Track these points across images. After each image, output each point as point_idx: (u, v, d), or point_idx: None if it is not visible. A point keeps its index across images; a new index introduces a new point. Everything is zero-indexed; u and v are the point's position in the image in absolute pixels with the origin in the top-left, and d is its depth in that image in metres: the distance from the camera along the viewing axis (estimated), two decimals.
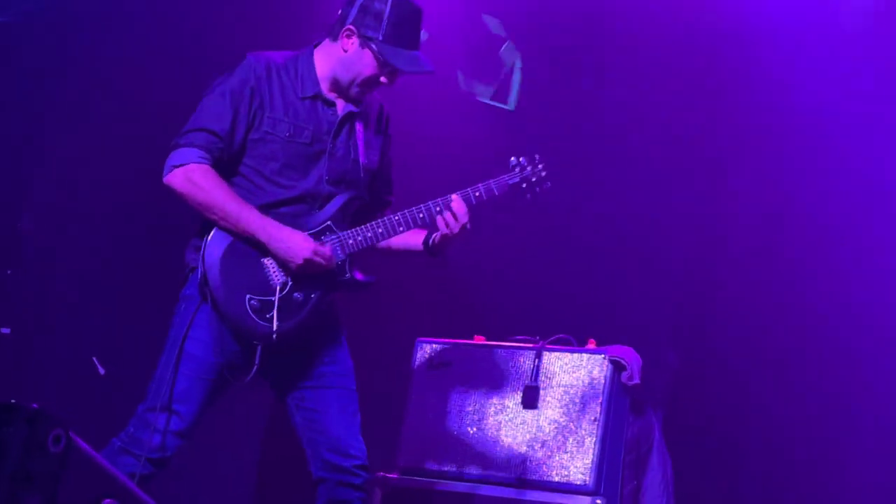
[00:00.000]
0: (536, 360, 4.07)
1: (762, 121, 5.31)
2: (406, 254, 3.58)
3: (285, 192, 3.31)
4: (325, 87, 3.37)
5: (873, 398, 4.77)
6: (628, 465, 4.08)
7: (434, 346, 4.26)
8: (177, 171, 3.20)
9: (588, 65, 5.62)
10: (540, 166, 3.55)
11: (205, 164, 3.21)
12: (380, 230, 3.32)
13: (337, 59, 3.33)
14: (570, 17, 5.55)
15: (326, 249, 3.26)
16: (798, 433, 4.82)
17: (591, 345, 4.12)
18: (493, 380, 4.16)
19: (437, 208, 3.35)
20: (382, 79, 3.38)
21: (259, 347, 3.20)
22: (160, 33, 4.85)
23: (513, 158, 3.51)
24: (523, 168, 3.50)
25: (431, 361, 4.26)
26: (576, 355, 4.06)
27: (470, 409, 4.14)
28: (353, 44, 3.27)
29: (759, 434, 4.89)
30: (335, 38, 3.34)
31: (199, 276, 3.19)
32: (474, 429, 4.11)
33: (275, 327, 3.17)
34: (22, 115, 4.78)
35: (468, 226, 3.37)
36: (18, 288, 4.35)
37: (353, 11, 3.32)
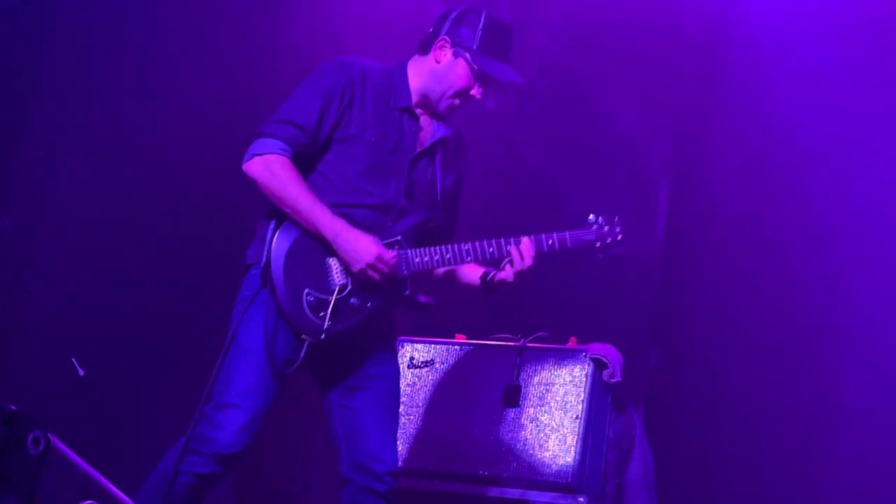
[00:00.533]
0: (518, 359, 4.08)
1: (735, 118, 5.22)
2: (461, 285, 3.60)
3: (364, 197, 3.33)
4: (415, 100, 3.39)
5: (850, 392, 4.76)
6: (610, 462, 4.08)
7: (415, 345, 4.25)
8: (256, 159, 3.23)
9: (577, 63, 5.48)
10: (618, 229, 3.53)
11: (285, 156, 3.23)
12: (448, 255, 3.34)
13: (428, 71, 3.37)
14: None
15: (392, 258, 3.27)
16: (777, 427, 4.80)
17: (573, 343, 4.11)
18: (475, 378, 4.15)
19: (508, 247, 3.37)
20: (474, 91, 3.41)
21: (306, 343, 3.21)
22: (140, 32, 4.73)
23: (591, 216, 3.50)
24: (601, 227, 3.49)
25: (412, 360, 4.24)
26: (557, 354, 4.08)
27: (451, 407, 4.11)
28: (446, 55, 3.31)
29: (739, 429, 4.86)
30: (426, 52, 3.39)
31: (263, 264, 3.20)
32: (456, 427, 4.08)
33: (325, 326, 3.19)
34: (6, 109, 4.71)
35: (531, 271, 3.40)
36: None
37: (447, 25, 3.38)
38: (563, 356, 4.05)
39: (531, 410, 4.01)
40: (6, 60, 4.58)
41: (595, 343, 4.09)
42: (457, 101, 3.41)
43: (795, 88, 5.13)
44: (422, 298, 3.36)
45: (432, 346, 4.24)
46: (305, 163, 3.32)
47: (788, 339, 4.85)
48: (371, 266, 3.18)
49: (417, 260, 3.30)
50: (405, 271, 3.29)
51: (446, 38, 3.33)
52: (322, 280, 3.25)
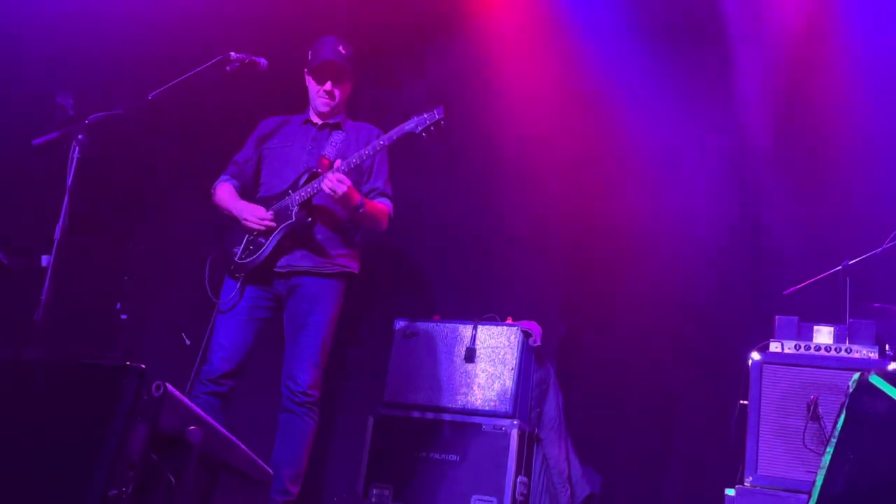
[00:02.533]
0: (473, 331, 4.47)
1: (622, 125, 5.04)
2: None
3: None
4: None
5: (693, 352, 4.77)
6: (534, 398, 4.50)
7: (407, 322, 4.63)
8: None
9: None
10: (436, 113, 3.57)
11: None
12: (308, 189, 3.70)
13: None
14: None
15: (260, 211, 3.68)
16: (643, 378, 4.88)
17: (509, 321, 4.53)
18: (446, 344, 4.51)
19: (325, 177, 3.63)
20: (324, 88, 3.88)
21: (241, 278, 3.70)
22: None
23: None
24: (419, 115, 3.60)
25: (405, 332, 4.60)
26: (499, 327, 4.44)
27: (431, 363, 4.48)
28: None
29: (617, 377, 4.92)
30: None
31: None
32: (433, 376, 4.45)
33: (237, 259, 3.71)
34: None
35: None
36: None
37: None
38: (504, 329, 4.43)
39: (482, 364, 4.39)
40: None
41: (524, 321, 4.52)
42: (319, 100, 3.85)
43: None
44: (304, 219, 3.65)
45: (418, 323, 4.60)
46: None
47: (652, 318, 4.91)
48: (245, 219, 3.72)
49: (297, 197, 3.69)
50: (292, 211, 3.65)
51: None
52: (239, 238, 3.78)
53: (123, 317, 4.17)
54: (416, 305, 5.02)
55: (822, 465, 2.23)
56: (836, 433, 2.27)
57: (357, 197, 3.68)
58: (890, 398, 2.28)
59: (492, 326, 4.44)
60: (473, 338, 4.42)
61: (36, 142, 3.26)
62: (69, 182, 3.10)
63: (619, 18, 5.13)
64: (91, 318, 4.37)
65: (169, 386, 1.81)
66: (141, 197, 4.51)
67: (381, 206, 3.89)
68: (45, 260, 3.05)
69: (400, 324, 4.64)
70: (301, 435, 3.63)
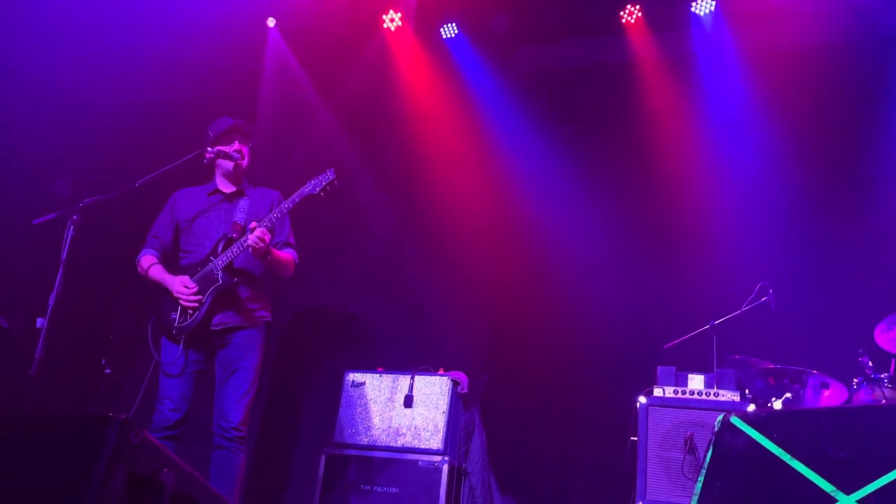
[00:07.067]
0: (411, 381, 4.42)
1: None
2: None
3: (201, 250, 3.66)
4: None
5: (587, 402, 4.77)
6: (462, 437, 4.42)
7: (355, 373, 4.54)
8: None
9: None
10: (330, 175, 3.45)
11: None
12: (229, 252, 3.56)
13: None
14: None
15: (188, 282, 3.51)
16: (552, 420, 4.88)
17: (441, 371, 4.49)
18: (388, 392, 4.44)
19: (248, 237, 3.49)
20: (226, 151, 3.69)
21: (181, 340, 3.52)
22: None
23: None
24: (316, 177, 3.48)
25: (354, 382, 4.52)
26: (433, 377, 4.40)
27: (375, 408, 4.39)
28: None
29: (533, 419, 4.92)
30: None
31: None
32: (377, 419, 4.35)
33: (176, 325, 3.54)
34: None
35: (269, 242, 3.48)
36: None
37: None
38: (437, 379, 4.40)
39: (419, 409, 4.33)
40: None
41: (453, 371, 4.49)
42: (228, 163, 3.68)
43: None
44: (230, 281, 3.51)
45: (364, 374, 4.52)
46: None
47: (560, 368, 4.94)
48: (178, 292, 3.55)
49: (220, 263, 3.57)
50: (217, 275, 3.52)
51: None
52: (174, 305, 3.60)
53: (108, 371, 4.15)
54: (362, 359, 4.90)
55: (695, 491, 2.25)
56: (706, 465, 2.31)
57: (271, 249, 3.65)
58: (748, 436, 2.32)
59: (427, 376, 4.39)
60: (411, 386, 4.37)
61: (35, 221, 3.23)
62: (63, 256, 3.09)
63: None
64: (79, 373, 4.27)
65: (147, 433, 1.77)
66: (124, 269, 4.19)
67: (288, 255, 3.80)
68: (39, 322, 3.01)
69: (349, 375, 4.56)
70: (235, 468, 3.48)
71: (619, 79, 5.19)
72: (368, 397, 4.44)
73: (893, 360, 3.86)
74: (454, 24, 5.54)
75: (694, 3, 5.21)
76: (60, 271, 3.03)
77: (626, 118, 5.07)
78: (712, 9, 5.16)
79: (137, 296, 4.67)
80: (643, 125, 5.05)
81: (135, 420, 1.80)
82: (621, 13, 5.30)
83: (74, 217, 3.15)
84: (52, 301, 2.99)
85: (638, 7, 5.30)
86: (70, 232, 3.12)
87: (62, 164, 4.33)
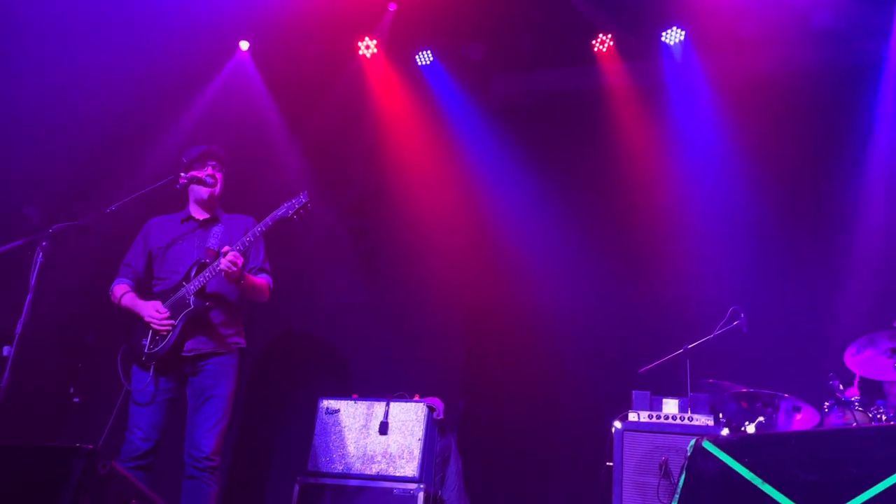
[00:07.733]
0: (386, 408, 4.41)
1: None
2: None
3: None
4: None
5: (562, 429, 4.81)
6: (437, 464, 4.43)
7: (329, 400, 4.53)
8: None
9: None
10: (303, 198, 3.41)
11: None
12: (201, 277, 3.52)
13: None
14: None
15: (159, 306, 3.47)
16: (530, 445, 4.92)
17: (416, 398, 4.50)
18: (363, 419, 4.42)
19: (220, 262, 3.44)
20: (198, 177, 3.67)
21: (151, 367, 3.45)
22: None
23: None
24: (288, 201, 3.45)
25: (328, 409, 4.50)
26: (408, 404, 4.40)
27: (349, 436, 4.38)
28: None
29: (508, 445, 5.00)
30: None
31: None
32: (352, 446, 4.34)
33: (146, 351, 3.48)
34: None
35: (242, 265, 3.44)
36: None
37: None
38: (412, 405, 4.40)
39: (394, 436, 4.33)
40: None
41: (429, 397, 4.49)
42: (202, 189, 3.66)
43: None
44: (202, 306, 3.47)
45: (339, 401, 4.51)
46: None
47: (538, 393, 5.01)
48: (150, 317, 3.50)
49: (192, 287, 3.52)
50: (189, 300, 3.47)
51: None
52: (145, 331, 3.54)
53: (76, 400, 4.04)
54: (336, 385, 5.00)
55: None
56: (679, 489, 2.33)
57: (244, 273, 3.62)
58: (720, 460, 2.36)
59: (402, 403, 4.39)
60: (386, 413, 4.36)
61: (1, 249, 3.17)
62: (32, 283, 3.03)
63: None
64: (47, 402, 4.20)
65: (115, 464, 1.75)
66: (93, 296, 4.18)
67: (262, 280, 3.75)
68: (6, 350, 2.95)
69: (323, 402, 4.54)
70: (206, 499, 3.39)
71: (593, 106, 5.33)
72: (343, 424, 4.41)
73: (857, 379, 3.91)
74: (429, 52, 5.69)
75: (664, 33, 5.42)
76: (29, 298, 2.97)
77: (600, 145, 5.19)
78: (682, 38, 5.32)
79: (108, 323, 4.52)
80: (616, 152, 5.16)
81: (103, 450, 1.77)
82: (593, 42, 5.47)
83: (44, 244, 3.08)
84: (19, 329, 2.94)
85: (610, 36, 5.47)
86: (39, 258, 3.06)
87: (31, 189, 4.31)
